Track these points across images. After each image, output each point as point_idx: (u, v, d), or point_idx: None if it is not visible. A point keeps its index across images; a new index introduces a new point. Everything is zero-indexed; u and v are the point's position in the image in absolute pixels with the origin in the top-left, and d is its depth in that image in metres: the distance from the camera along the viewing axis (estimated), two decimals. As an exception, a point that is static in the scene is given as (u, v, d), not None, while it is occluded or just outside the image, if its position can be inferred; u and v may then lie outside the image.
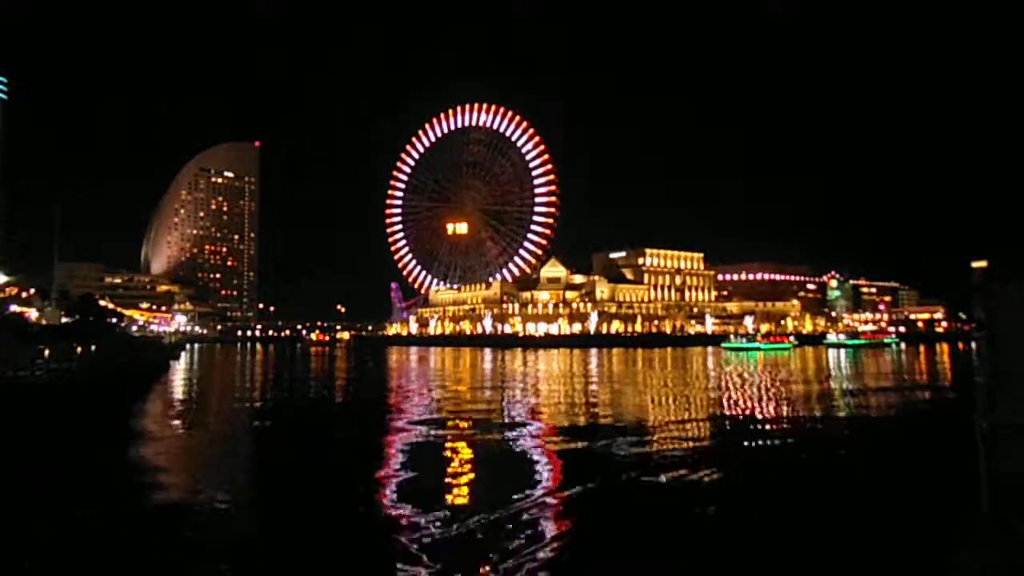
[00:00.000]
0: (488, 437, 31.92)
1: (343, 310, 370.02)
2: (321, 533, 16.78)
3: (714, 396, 50.40)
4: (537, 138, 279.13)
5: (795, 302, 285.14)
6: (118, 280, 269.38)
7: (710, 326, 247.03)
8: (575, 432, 32.87)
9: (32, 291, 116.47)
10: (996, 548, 8.11)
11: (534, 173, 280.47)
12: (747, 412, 40.29)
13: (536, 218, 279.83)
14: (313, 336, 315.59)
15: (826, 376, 72.93)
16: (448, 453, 27.96)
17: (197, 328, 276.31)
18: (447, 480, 22.72)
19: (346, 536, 16.81)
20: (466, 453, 28.23)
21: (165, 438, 32.47)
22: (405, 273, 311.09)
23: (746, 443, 30.48)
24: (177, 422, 38.33)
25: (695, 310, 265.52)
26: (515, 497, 19.39)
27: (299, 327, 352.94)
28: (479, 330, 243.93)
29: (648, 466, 24.65)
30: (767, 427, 34.96)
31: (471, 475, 24.02)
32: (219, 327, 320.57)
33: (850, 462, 26.33)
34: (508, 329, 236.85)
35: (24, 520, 18.16)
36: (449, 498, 19.93)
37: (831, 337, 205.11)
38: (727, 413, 40.07)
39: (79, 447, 29.11)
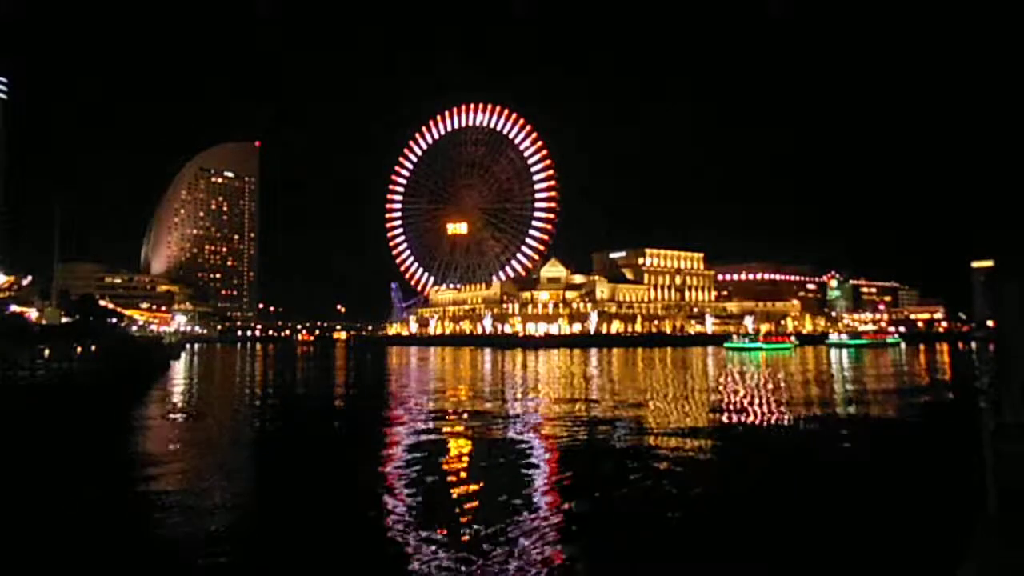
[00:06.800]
0: (489, 430, 31.87)
1: (343, 310, 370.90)
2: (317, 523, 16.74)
3: (729, 399, 50.27)
4: (535, 135, 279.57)
5: (795, 302, 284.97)
6: (118, 280, 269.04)
7: (710, 326, 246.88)
8: (574, 429, 32.84)
9: (30, 278, 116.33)
10: (1003, 550, 8.03)
11: (533, 172, 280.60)
12: (761, 416, 40.16)
13: (536, 216, 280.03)
14: (300, 336, 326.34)
15: (833, 376, 72.78)
16: (449, 444, 27.95)
17: (197, 328, 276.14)
18: (448, 468, 22.70)
19: (343, 529, 16.78)
20: (466, 446, 28.20)
21: (164, 437, 32.41)
22: (405, 273, 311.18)
23: (763, 447, 30.39)
24: (176, 421, 38.25)
25: (695, 310, 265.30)
26: (515, 490, 19.35)
27: (299, 327, 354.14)
28: (479, 330, 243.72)
29: (647, 467, 24.57)
30: (776, 429, 34.88)
31: (470, 466, 23.97)
32: (219, 327, 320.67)
33: (857, 462, 26.24)
34: (508, 329, 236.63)
35: (22, 519, 18.11)
36: (450, 488, 19.94)
37: (833, 337, 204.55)
38: (742, 417, 39.95)
39: (78, 447, 29.04)
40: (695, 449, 28.23)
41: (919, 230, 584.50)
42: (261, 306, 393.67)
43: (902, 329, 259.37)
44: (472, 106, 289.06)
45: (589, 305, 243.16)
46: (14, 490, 21.29)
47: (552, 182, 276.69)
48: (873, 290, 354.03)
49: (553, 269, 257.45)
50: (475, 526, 16.77)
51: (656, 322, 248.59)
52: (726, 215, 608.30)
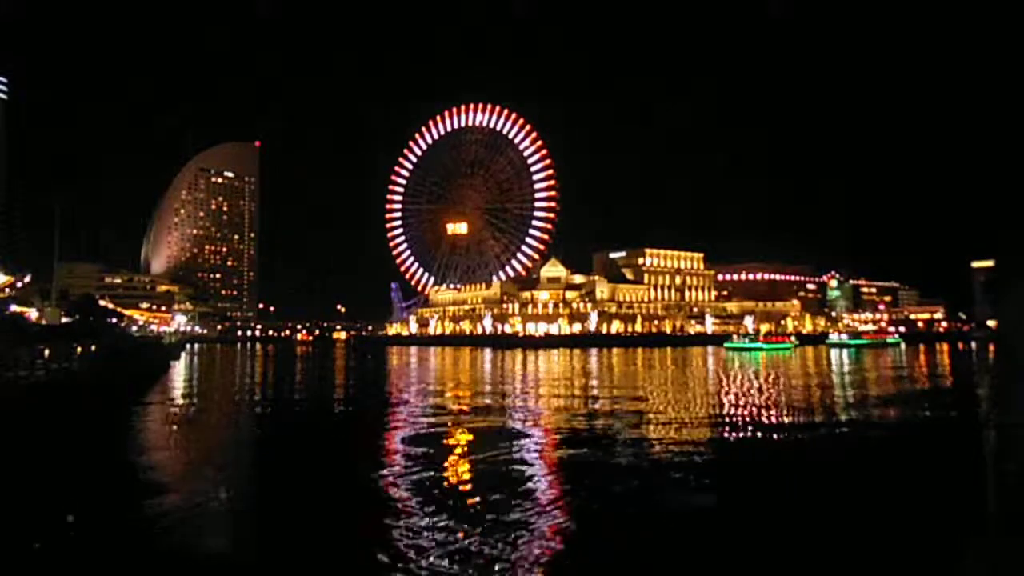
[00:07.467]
0: (488, 429, 31.86)
1: (343, 310, 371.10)
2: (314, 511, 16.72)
3: (728, 399, 50.24)
4: (535, 135, 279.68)
5: (795, 302, 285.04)
6: (118, 280, 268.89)
7: (710, 326, 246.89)
8: (573, 428, 32.83)
9: (30, 278, 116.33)
10: (1002, 551, 8.02)
11: (533, 172, 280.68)
12: (761, 416, 40.14)
13: (536, 216, 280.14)
14: (300, 336, 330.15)
15: (833, 376, 72.77)
16: (449, 443, 27.93)
17: (197, 328, 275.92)
18: (447, 467, 22.69)
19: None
20: (466, 446, 28.17)
21: (164, 438, 32.39)
22: (406, 274, 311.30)
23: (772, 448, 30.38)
24: (176, 422, 38.24)
25: (695, 310, 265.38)
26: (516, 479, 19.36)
27: (299, 327, 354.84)
28: (479, 330, 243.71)
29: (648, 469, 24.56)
30: (776, 429, 34.87)
31: (469, 465, 23.96)
32: (219, 327, 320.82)
33: (857, 463, 26.22)
34: (508, 329, 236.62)
35: (21, 519, 18.10)
36: (450, 487, 19.93)
37: (833, 337, 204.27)
38: (742, 416, 39.93)
39: (77, 448, 29.01)
40: (695, 449, 28.18)
41: (919, 230, 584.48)
42: (261, 306, 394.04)
43: (902, 329, 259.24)
44: (472, 106, 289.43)
45: (589, 305, 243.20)
46: (13, 491, 21.27)
47: (552, 182, 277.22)
48: (873, 290, 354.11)
49: (553, 269, 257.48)
50: (475, 524, 16.75)
51: (656, 322, 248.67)
52: (726, 215, 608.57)
